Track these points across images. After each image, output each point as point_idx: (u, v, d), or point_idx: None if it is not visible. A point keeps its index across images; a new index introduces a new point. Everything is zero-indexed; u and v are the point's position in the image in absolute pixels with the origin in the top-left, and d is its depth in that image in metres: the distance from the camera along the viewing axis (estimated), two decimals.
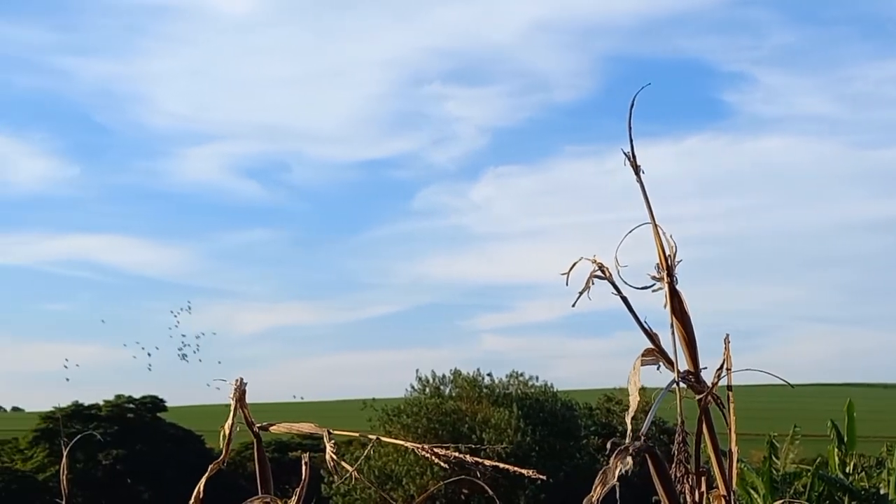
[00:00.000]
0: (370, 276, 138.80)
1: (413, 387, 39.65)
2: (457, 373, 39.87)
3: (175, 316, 50.99)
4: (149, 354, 52.14)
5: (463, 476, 3.10)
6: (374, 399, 41.19)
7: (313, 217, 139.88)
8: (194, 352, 46.01)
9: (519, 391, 39.33)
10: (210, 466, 2.51)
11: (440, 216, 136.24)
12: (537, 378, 40.39)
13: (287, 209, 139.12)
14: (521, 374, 40.13)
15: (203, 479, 2.49)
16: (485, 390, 39.18)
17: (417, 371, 39.99)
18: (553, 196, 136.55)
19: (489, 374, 39.95)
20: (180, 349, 45.51)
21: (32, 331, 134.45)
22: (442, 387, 39.63)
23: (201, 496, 2.52)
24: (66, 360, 55.38)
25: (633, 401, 2.31)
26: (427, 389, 39.37)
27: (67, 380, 55.17)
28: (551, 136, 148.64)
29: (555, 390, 40.47)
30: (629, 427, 2.23)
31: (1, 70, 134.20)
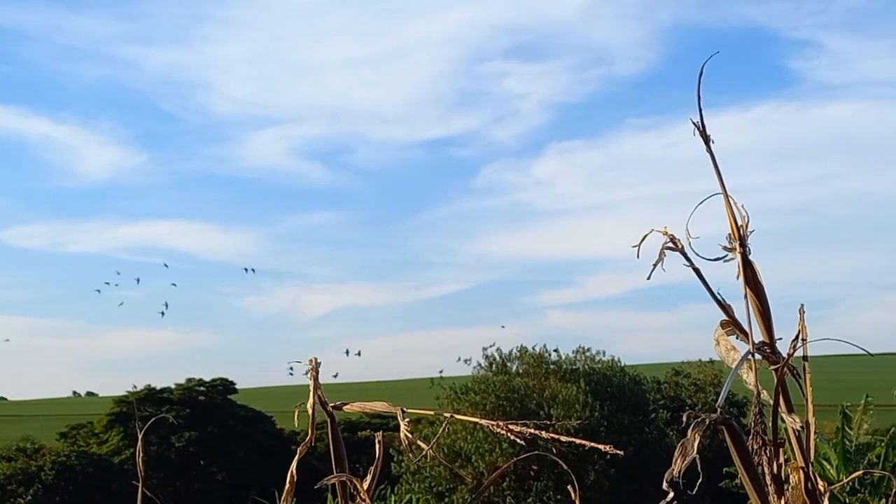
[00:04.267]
0: (434, 255, 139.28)
1: (480, 364, 39.75)
2: (523, 349, 39.87)
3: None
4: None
5: (536, 452, 3.10)
6: (441, 377, 41.32)
7: (377, 197, 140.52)
8: None
9: (586, 366, 39.24)
10: (299, 448, 2.53)
11: (503, 193, 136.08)
12: (604, 353, 40.28)
13: (351, 190, 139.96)
14: (588, 350, 40.04)
15: (294, 463, 2.52)
16: (551, 366, 39.15)
17: (484, 349, 40.06)
18: (617, 170, 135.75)
19: (556, 350, 39.91)
20: None
21: (107, 318, 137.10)
22: (508, 364, 39.66)
23: (295, 479, 2.55)
24: None
25: (753, 387, 2.28)
26: (494, 367, 39.43)
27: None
28: (614, 109, 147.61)
29: (622, 365, 40.31)
30: (755, 398, 2.20)
31: (69, 61, 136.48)
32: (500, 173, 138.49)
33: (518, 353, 39.88)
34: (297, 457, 2.51)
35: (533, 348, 39.95)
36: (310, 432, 2.55)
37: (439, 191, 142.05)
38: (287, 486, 2.55)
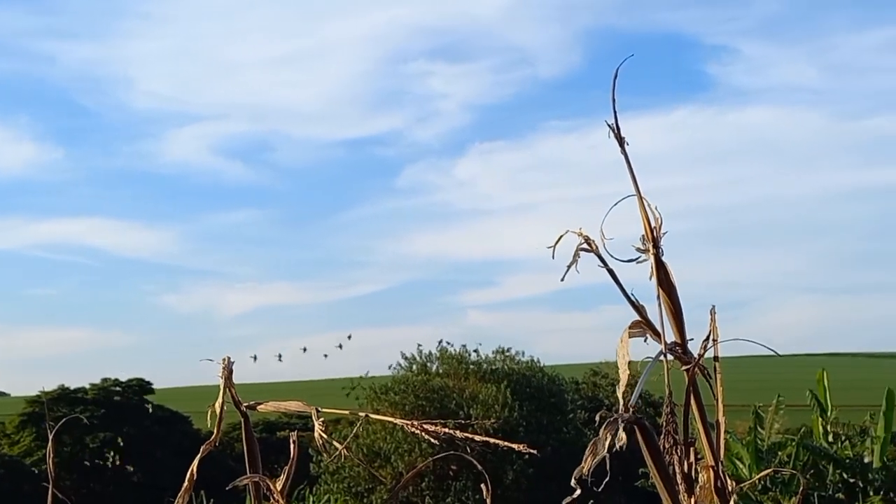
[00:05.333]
0: (355, 255, 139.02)
1: (400, 364, 39.73)
2: (443, 349, 39.95)
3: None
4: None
5: (452, 452, 3.10)
6: (361, 377, 41.23)
7: (298, 196, 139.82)
8: None
9: (506, 367, 39.43)
10: (202, 447, 2.50)
11: (425, 193, 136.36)
12: (523, 353, 40.50)
13: (272, 189, 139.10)
14: (508, 350, 40.23)
15: (196, 461, 2.48)
16: (471, 366, 39.26)
17: (402, 352, 40.07)
18: (538, 171, 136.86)
19: (475, 351, 40.02)
20: None
21: (20, 316, 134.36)
22: (428, 364, 39.70)
23: (195, 477, 2.52)
24: None
25: (623, 374, 2.32)
26: (414, 367, 39.44)
27: None
28: (536, 111, 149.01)
29: (541, 365, 40.58)
30: (621, 400, 2.23)
31: None
32: (423, 173, 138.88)
33: (438, 354, 39.96)
34: (199, 455, 2.48)
35: (454, 348, 40.03)
36: (215, 431, 2.52)
37: (361, 190, 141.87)
38: (185, 483, 2.52)
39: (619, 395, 2.25)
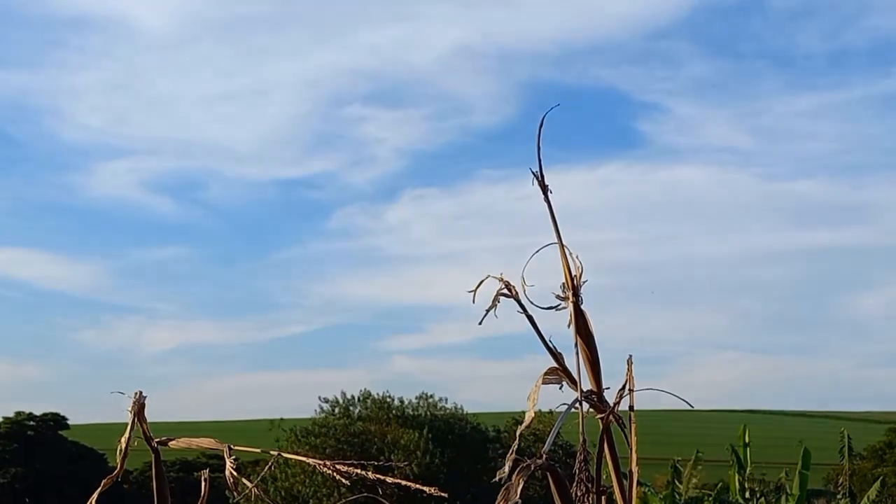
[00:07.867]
0: (283, 296, 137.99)
1: (322, 408, 39.42)
2: (366, 394, 39.76)
3: None
4: None
5: (367, 495, 3.08)
6: (281, 419, 40.86)
7: (228, 235, 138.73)
8: None
9: (428, 413, 39.34)
10: (103, 481, 2.45)
11: (355, 237, 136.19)
12: (447, 400, 40.50)
13: (201, 227, 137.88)
14: (431, 396, 40.19)
15: (96, 494, 2.43)
16: (394, 412, 39.11)
17: (321, 396, 39.78)
18: (468, 220, 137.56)
19: (400, 399, 39.92)
20: None
21: None
22: (351, 408, 39.45)
23: None
24: None
25: (528, 416, 2.34)
26: (336, 410, 39.17)
27: None
28: (469, 160, 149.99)
29: (465, 413, 40.57)
30: (516, 441, 2.24)
31: None
32: (354, 217, 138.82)
33: (361, 398, 39.78)
34: (98, 489, 2.43)
35: (377, 393, 39.84)
36: (119, 466, 2.48)
37: (291, 231, 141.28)
38: None
39: (517, 432, 2.25)
